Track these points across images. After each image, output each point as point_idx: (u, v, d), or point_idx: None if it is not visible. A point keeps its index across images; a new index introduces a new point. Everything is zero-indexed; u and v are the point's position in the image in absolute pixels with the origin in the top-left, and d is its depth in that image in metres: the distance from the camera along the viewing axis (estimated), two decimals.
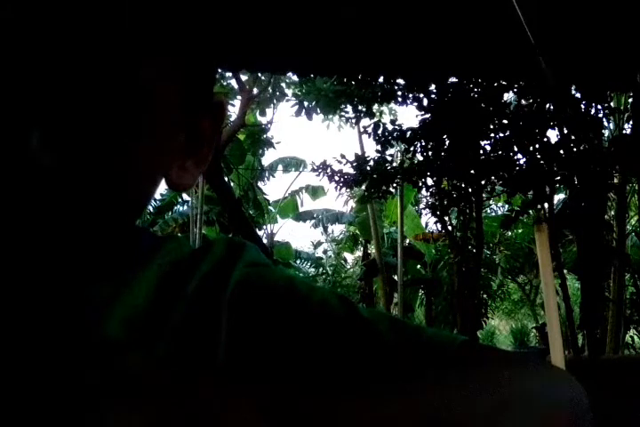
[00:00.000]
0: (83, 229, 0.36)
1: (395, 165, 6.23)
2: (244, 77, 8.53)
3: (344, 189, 6.75)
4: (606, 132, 5.66)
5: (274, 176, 13.31)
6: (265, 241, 12.54)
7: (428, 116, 5.40)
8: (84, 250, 0.37)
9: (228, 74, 8.85)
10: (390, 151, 6.50)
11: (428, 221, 9.60)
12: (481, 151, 5.37)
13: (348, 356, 0.37)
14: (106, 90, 0.34)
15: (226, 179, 8.85)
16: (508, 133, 5.33)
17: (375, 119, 6.21)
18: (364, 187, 6.45)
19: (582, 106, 5.13)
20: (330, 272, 14.52)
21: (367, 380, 0.34)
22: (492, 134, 5.37)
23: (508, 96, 5.55)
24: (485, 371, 0.36)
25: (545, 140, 5.23)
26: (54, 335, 0.35)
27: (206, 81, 0.44)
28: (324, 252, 16.12)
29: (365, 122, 6.45)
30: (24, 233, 0.34)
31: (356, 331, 0.39)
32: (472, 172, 5.41)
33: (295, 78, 8.37)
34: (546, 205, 5.48)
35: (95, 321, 0.37)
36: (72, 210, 0.35)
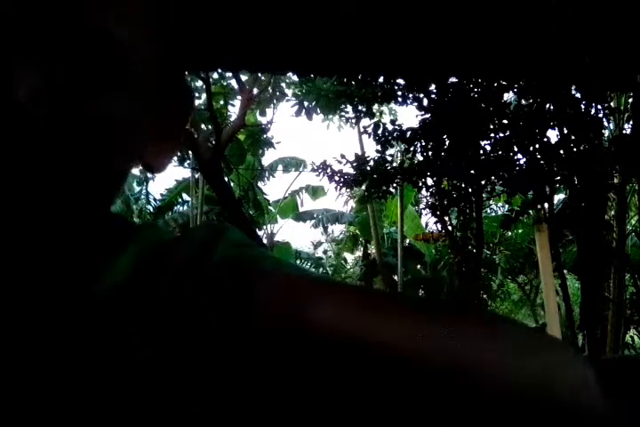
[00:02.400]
0: (58, 197, 0.35)
1: (395, 165, 6.22)
2: (243, 77, 8.53)
3: (344, 189, 6.75)
4: (606, 132, 5.66)
5: (274, 176, 13.32)
6: (265, 241, 12.54)
7: (428, 116, 5.40)
8: (57, 225, 0.36)
9: (228, 74, 8.86)
10: (390, 151, 6.51)
11: (428, 221, 9.58)
12: (481, 151, 5.37)
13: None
14: (88, 51, 0.35)
15: (226, 179, 8.85)
16: (508, 133, 5.33)
17: (375, 119, 6.21)
18: (364, 187, 6.45)
19: (582, 106, 5.13)
20: (330, 272, 14.51)
21: None
22: (492, 134, 5.37)
23: (508, 96, 5.56)
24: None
25: (545, 140, 5.22)
26: (24, 326, 0.35)
27: (179, 64, 0.45)
28: (324, 252, 16.14)
29: (365, 122, 6.46)
30: None
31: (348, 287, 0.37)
32: (472, 172, 5.41)
33: (295, 78, 8.38)
34: (546, 205, 5.48)
35: (68, 311, 0.35)
36: (51, 174, 0.34)
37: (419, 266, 12.06)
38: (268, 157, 13.25)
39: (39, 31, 0.34)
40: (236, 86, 9.04)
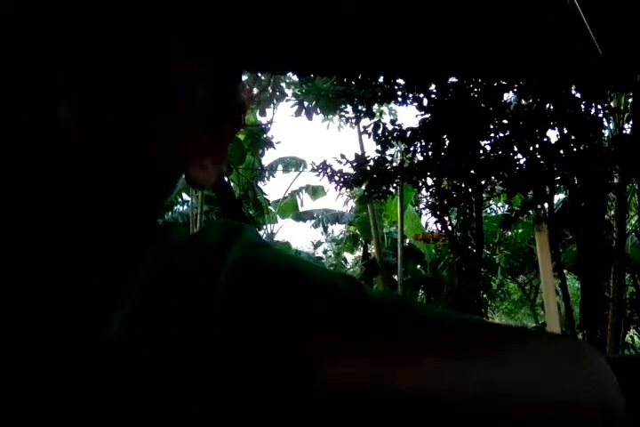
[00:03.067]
0: (97, 213, 0.35)
1: (395, 165, 6.23)
2: (243, 77, 8.53)
3: (344, 189, 6.75)
4: (606, 132, 5.66)
5: (274, 176, 13.32)
6: None
7: (428, 116, 5.40)
8: (94, 237, 0.36)
9: None
10: (390, 151, 6.51)
11: (428, 221, 9.59)
12: (481, 151, 5.38)
13: (350, 333, 0.35)
14: (132, 58, 0.35)
15: (226, 179, 8.85)
16: (508, 133, 5.33)
17: (375, 119, 6.21)
18: (363, 187, 6.45)
19: (582, 106, 5.14)
20: None
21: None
22: (492, 134, 5.37)
23: (508, 96, 5.56)
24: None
25: (545, 140, 5.23)
26: (55, 328, 0.35)
27: (233, 82, 0.45)
28: (324, 252, 16.14)
29: (365, 122, 6.46)
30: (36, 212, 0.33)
31: (360, 308, 0.37)
32: (472, 172, 5.41)
33: (295, 78, 8.38)
34: (546, 205, 5.48)
35: (96, 315, 0.36)
36: (91, 193, 0.34)
37: (419, 266, 12.06)
38: (267, 157, 13.28)
39: (83, 35, 0.34)
40: None
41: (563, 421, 0.34)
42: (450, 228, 5.95)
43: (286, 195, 14.08)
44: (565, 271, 6.18)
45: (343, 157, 6.20)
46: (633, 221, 6.51)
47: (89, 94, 0.33)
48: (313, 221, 14.23)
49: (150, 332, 0.35)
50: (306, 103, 8.10)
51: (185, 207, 12.96)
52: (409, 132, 5.57)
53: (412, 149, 5.68)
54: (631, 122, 5.38)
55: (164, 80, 0.36)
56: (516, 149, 5.31)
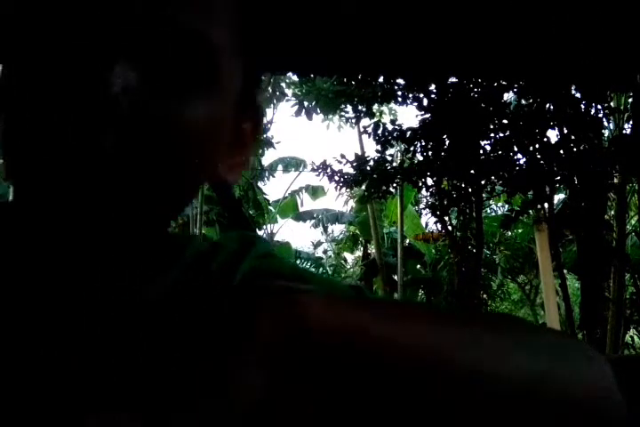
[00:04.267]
0: (136, 216, 0.37)
1: (395, 164, 6.22)
2: None
3: (344, 189, 6.75)
4: (606, 132, 5.66)
5: (274, 176, 13.31)
6: None
7: (428, 116, 5.40)
8: (132, 238, 0.39)
9: None
10: (390, 151, 6.50)
11: (428, 221, 9.60)
12: (481, 151, 5.37)
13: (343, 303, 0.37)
14: (179, 51, 0.36)
15: None
16: (508, 133, 5.33)
17: (375, 119, 6.21)
18: (364, 187, 6.45)
19: (582, 106, 5.13)
20: (330, 272, 14.51)
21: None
22: (492, 134, 5.37)
23: (508, 96, 5.56)
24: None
25: (545, 140, 5.23)
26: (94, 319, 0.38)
27: (254, 84, 0.46)
28: (324, 252, 16.13)
29: (365, 122, 6.46)
30: (82, 216, 0.36)
31: (358, 296, 0.40)
32: (472, 172, 5.41)
33: (295, 78, 8.37)
34: (546, 205, 5.48)
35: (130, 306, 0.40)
36: (128, 200, 0.36)
37: (419, 266, 12.05)
38: (267, 157, 13.23)
39: (132, 31, 0.35)
40: None
41: (560, 415, 0.34)
42: (450, 228, 5.95)
43: (286, 195, 14.08)
44: (565, 271, 6.18)
45: (343, 156, 6.20)
46: (633, 221, 6.51)
47: (140, 69, 0.35)
48: (313, 221, 14.22)
49: (181, 306, 0.38)
50: (306, 103, 8.09)
51: None
52: (409, 132, 5.56)
53: (412, 149, 5.68)
54: (631, 122, 5.38)
55: (209, 66, 0.38)
56: (516, 149, 5.31)
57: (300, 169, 13.41)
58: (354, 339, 0.32)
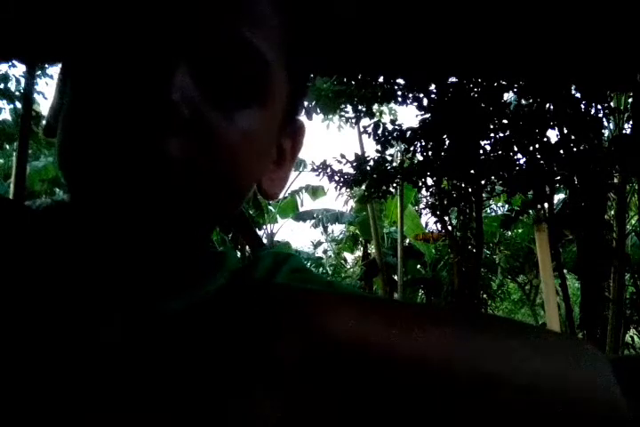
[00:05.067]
0: (187, 224, 0.39)
1: (395, 164, 6.22)
2: None
3: (344, 188, 6.75)
4: (606, 132, 5.66)
5: None
6: (265, 241, 12.53)
7: (427, 115, 5.40)
8: (177, 246, 0.40)
9: None
10: (390, 151, 6.50)
11: (428, 221, 9.58)
12: (481, 151, 5.37)
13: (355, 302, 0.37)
14: (232, 61, 0.38)
15: None
16: (508, 133, 5.32)
17: (375, 119, 6.21)
18: (364, 187, 6.45)
19: (582, 106, 5.13)
20: (330, 272, 14.51)
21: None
22: (492, 134, 5.37)
23: (508, 96, 5.55)
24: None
25: (545, 140, 5.22)
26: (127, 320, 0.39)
27: (298, 102, 0.48)
28: (324, 252, 16.12)
29: (365, 122, 6.46)
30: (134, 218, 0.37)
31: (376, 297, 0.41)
32: (472, 172, 5.41)
33: None
34: (546, 205, 5.48)
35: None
36: (183, 207, 0.37)
37: (419, 266, 12.05)
38: None
39: (193, 41, 0.36)
40: None
41: (559, 413, 0.34)
42: (450, 228, 5.95)
43: (286, 195, 14.07)
44: (565, 271, 6.18)
45: (343, 156, 6.20)
46: (633, 221, 6.50)
47: (196, 78, 0.37)
48: (313, 220, 14.22)
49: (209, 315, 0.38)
50: (306, 103, 8.09)
51: None
52: (409, 132, 5.56)
53: (411, 148, 5.68)
54: (631, 122, 5.38)
55: (260, 77, 0.39)
56: (516, 149, 5.31)
57: (300, 169, 13.41)
58: (380, 356, 0.31)
